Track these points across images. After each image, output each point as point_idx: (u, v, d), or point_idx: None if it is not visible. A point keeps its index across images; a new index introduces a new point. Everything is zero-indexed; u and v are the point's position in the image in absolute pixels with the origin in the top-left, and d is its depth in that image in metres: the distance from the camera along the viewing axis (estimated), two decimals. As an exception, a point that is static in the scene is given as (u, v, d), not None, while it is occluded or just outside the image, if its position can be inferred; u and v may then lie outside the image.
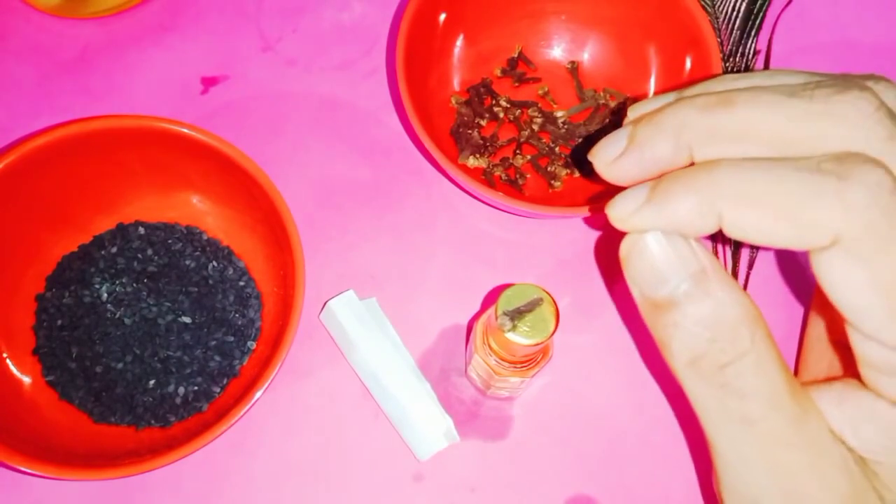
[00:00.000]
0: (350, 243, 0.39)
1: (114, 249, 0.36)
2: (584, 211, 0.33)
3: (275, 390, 0.36)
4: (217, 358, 0.35)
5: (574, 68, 0.42)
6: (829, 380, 0.25)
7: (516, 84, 0.41)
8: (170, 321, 0.35)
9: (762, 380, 0.23)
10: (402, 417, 0.34)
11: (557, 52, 0.42)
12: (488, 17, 0.41)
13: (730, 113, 0.22)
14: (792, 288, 0.39)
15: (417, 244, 0.39)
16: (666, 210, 0.22)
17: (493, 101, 0.41)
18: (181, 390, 0.34)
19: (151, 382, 0.34)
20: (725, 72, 0.42)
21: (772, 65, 0.43)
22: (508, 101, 0.41)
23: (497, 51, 0.42)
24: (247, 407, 0.30)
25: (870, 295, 0.21)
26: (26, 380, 0.34)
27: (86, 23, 0.43)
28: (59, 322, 0.35)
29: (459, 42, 0.41)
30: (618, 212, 0.23)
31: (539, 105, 0.41)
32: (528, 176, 0.40)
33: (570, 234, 0.39)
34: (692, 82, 0.26)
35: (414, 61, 0.36)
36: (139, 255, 0.36)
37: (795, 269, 0.39)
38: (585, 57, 0.42)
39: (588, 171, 0.39)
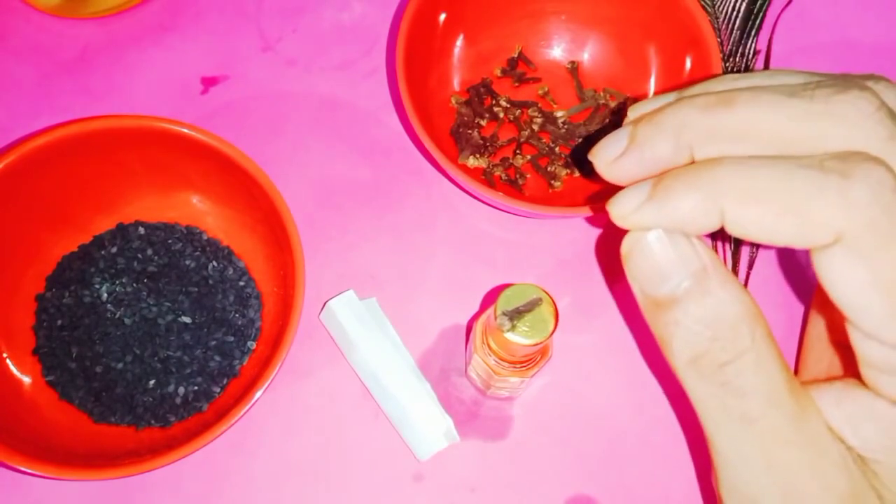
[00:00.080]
0: (350, 243, 0.39)
1: (114, 249, 0.36)
2: (585, 211, 0.33)
3: (275, 390, 0.36)
4: (217, 358, 0.35)
5: (574, 68, 0.42)
6: (829, 379, 0.25)
7: (516, 84, 0.41)
8: (170, 321, 0.35)
9: (762, 378, 0.23)
10: (402, 417, 0.34)
11: (557, 52, 0.42)
12: (488, 17, 0.41)
13: (730, 112, 0.22)
14: (792, 287, 0.39)
15: (417, 244, 0.39)
16: (668, 207, 0.22)
17: (493, 101, 0.41)
18: (181, 390, 0.34)
19: (151, 382, 0.34)
20: (725, 72, 0.42)
21: (772, 65, 0.43)
22: (508, 101, 0.41)
23: (497, 51, 0.42)
24: (247, 407, 0.30)
25: (870, 293, 0.21)
26: (26, 380, 0.34)
27: (86, 23, 0.43)
28: (59, 322, 0.35)
29: (459, 42, 0.41)
30: (619, 209, 0.24)
31: (539, 105, 0.41)
32: (528, 176, 0.40)
33: (570, 234, 0.39)
34: (692, 82, 0.26)
35: (414, 61, 0.36)
36: (139, 255, 0.36)
37: (795, 269, 0.39)
38: (585, 57, 0.42)
39: (588, 170, 0.39)
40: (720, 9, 0.44)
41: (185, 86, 0.42)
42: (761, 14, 0.44)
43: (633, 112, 0.26)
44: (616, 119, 0.40)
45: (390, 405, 0.35)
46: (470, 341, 0.32)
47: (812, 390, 0.25)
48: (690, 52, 0.37)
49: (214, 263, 0.36)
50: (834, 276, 0.21)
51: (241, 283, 0.36)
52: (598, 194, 0.37)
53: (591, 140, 0.39)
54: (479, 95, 0.40)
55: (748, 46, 0.43)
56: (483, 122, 0.40)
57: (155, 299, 0.35)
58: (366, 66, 0.43)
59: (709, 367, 0.23)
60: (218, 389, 0.35)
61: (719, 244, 0.39)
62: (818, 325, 0.31)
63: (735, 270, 0.39)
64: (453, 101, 0.40)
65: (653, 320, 0.24)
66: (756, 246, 0.39)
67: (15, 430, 0.31)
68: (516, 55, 0.42)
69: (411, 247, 0.39)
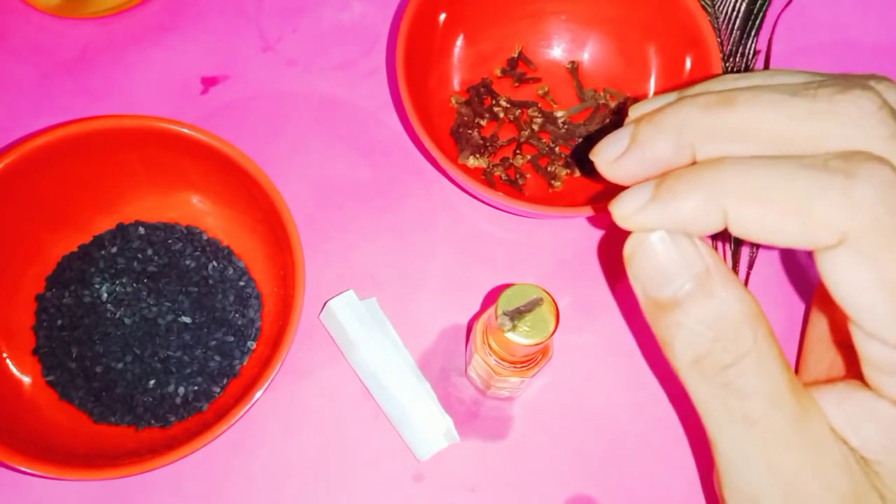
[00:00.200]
0: (350, 243, 0.39)
1: (114, 249, 0.36)
2: (585, 211, 0.33)
3: (275, 390, 0.36)
4: (217, 358, 0.35)
5: (574, 68, 0.42)
6: (831, 380, 0.25)
7: (516, 84, 0.41)
8: (170, 321, 0.35)
9: (764, 379, 0.23)
10: (402, 417, 0.34)
11: (557, 52, 0.42)
12: (488, 17, 0.41)
13: (731, 112, 0.22)
14: (792, 287, 0.39)
15: (417, 244, 0.39)
16: (670, 208, 0.22)
17: (493, 101, 0.41)
18: (181, 390, 0.34)
19: (151, 382, 0.34)
20: (725, 72, 0.42)
21: (772, 65, 0.43)
22: (508, 101, 0.41)
23: (497, 51, 0.42)
24: (247, 407, 0.30)
25: (874, 293, 0.21)
26: (26, 380, 0.34)
27: (86, 23, 0.43)
28: (59, 322, 0.35)
29: (459, 42, 0.41)
30: (622, 210, 0.23)
31: (539, 105, 0.41)
32: (528, 176, 0.40)
33: (570, 234, 0.39)
34: (692, 82, 0.26)
35: (414, 61, 0.36)
36: (139, 255, 0.36)
37: (796, 269, 0.39)
38: (585, 57, 0.42)
39: (588, 171, 0.39)
40: (720, 9, 0.44)
41: (185, 86, 0.42)
42: (761, 14, 0.44)
43: (634, 112, 0.26)
44: (616, 119, 0.40)
45: (390, 405, 0.35)
46: (470, 341, 0.32)
47: (814, 391, 0.24)
48: (690, 52, 0.37)
49: (214, 263, 0.36)
50: (837, 276, 0.21)
51: (241, 283, 0.36)
52: (598, 194, 0.37)
53: (592, 140, 0.39)
54: (479, 95, 0.40)
55: (748, 46, 0.43)
56: (483, 122, 0.40)
57: (155, 299, 0.35)
58: (366, 66, 0.43)
59: (711, 368, 0.23)
60: (218, 389, 0.35)
61: (719, 244, 0.39)
62: (819, 326, 0.31)
63: (735, 270, 0.39)
64: (453, 101, 0.40)
65: (655, 321, 0.24)
66: (756, 246, 0.39)
67: (15, 430, 0.31)
68: (516, 55, 0.42)
69: (411, 247, 0.39)
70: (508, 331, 0.26)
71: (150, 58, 0.42)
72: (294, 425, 0.35)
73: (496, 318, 0.27)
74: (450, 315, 0.37)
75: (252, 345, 0.35)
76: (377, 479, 0.34)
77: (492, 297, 0.38)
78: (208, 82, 0.42)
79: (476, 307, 0.38)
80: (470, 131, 0.40)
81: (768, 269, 0.39)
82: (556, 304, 0.27)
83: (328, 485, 0.34)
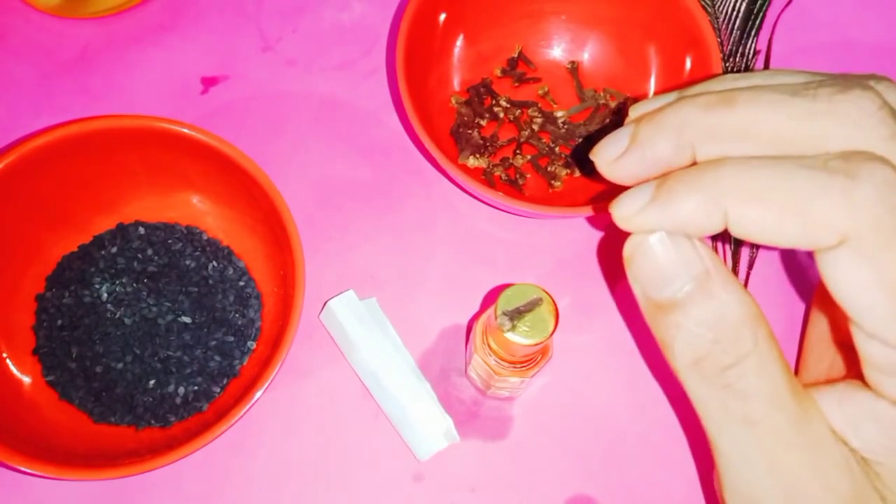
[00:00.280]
0: (350, 243, 0.39)
1: (114, 249, 0.36)
2: (585, 211, 0.33)
3: (275, 390, 0.36)
4: (217, 358, 0.35)
5: (574, 68, 0.42)
6: (831, 381, 0.25)
7: (516, 84, 0.41)
8: (170, 321, 0.35)
9: (764, 381, 0.23)
10: (402, 417, 0.34)
11: (557, 52, 0.42)
12: (488, 17, 0.41)
13: (731, 111, 0.22)
14: (792, 288, 0.39)
15: (417, 244, 0.39)
16: (671, 209, 0.22)
17: (493, 101, 0.41)
18: (181, 390, 0.34)
19: (151, 382, 0.34)
20: (725, 72, 0.42)
21: (772, 65, 0.43)
22: (508, 101, 0.41)
23: (497, 51, 0.42)
24: (247, 407, 0.30)
25: (875, 293, 0.21)
26: (26, 380, 0.34)
27: (86, 23, 0.43)
28: (59, 322, 0.35)
29: (459, 42, 0.41)
30: (622, 211, 0.23)
31: (539, 105, 0.41)
32: (528, 176, 0.40)
33: (570, 234, 0.39)
34: (692, 82, 0.26)
35: (414, 61, 0.36)
36: (139, 255, 0.36)
37: (796, 269, 0.39)
38: (585, 57, 0.42)
39: (588, 171, 0.39)
40: (720, 9, 0.44)
41: (185, 86, 0.42)
42: (761, 14, 0.44)
43: (634, 111, 0.26)
44: (616, 119, 0.40)
45: (390, 405, 0.35)
46: (470, 341, 0.32)
47: (814, 392, 0.24)
48: (690, 52, 0.37)
49: (214, 263, 0.36)
50: (838, 276, 0.21)
51: (241, 283, 0.36)
52: (598, 194, 0.37)
53: (592, 140, 0.39)
54: (479, 95, 0.40)
55: (748, 46, 0.43)
56: (483, 122, 0.40)
57: (155, 299, 0.35)
58: (366, 66, 0.43)
59: (710, 369, 0.23)
60: (218, 389, 0.35)
61: (719, 245, 0.39)
62: (819, 326, 0.31)
63: (735, 271, 0.39)
64: (453, 101, 0.40)
65: (654, 323, 0.24)
66: (756, 246, 0.39)
67: (15, 430, 0.31)
68: (516, 55, 0.42)
69: (411, 247, 0.39)
70: (508, 331, 0.26)
71: (150, 58, 0.42)
72: (294, 425, 0.35)
73: (496, 318, 0.27)
74: (450, 315, 0.37)
75: (252, 345, 0.35)
76: (377, 479, 0.34)
77: (492, 297, 0.38)
78: (208, 82, 0.42)
79: (476, 307, 0.38)
80: (470, 131, 0.40)
81: (768, 269, 0.39)
82: (555, 304, 0.27)
83: (328, 485, 0.34)
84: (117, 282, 0.35)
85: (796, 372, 0.35)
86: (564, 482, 0.35)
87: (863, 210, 0.20)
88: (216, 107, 0.41)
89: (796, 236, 0.21)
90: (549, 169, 0.40)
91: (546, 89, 0.41)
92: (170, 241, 0.36)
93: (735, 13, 0.44)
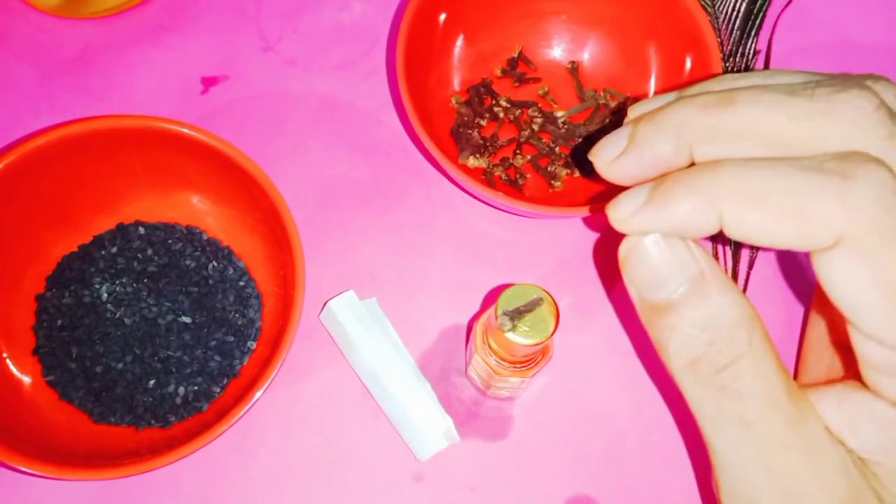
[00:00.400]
0: (350, 243, 0.39)
1: (114, 249, 0.36)
2: (584, 211, 0.33)
3: (275, 390, 0.36)
4: (217, 358, 0.35)
5: (574, 68, 0.42)
6: (830, 381, 0.25)
7: (516, 84, 0.41)
8: (170, 321, 0.35)
9: (759, 382, 0.23)
10: (402, 417, 0.34)
11: (557, 52, 0.42)
12: (488, 17, 0.41)
13: (730, 112, 0.22)
14: (792, 288, 0.39)
15: (417, 244, 0.39)
16: (666, 211, 0.22)
17: (493, 101, 0.41)
18: (181, 390, 0.34)
19: (151, 382, 0.34)
20: (725, 72, 0.42)
21: (772, 65, 0.43)
22: (508, 101, 0.41)
23: (497, 51, 0.42)
24: (247, 407, 0.30)
25: (871, 294, 0.21)
26: (26, 380, 0.34)
27: (86, 23, 0.43)
28: (59, 322, 0.35)
29: (459, 42, 0.41)
30: (618, 213, 0.23)
31: (539, 105, 0.41)
32: (528, 176, 0.40)
33: (570, 234, 0.39)
34: (692, 82, 0.26)
35: (414, 61, 0.36)
36: (139, 255, 0.36)
37: (795, 270, 0.39)
38: (585, 57, 0.42)
39: (588, 170, 0.39)
40: (720, 9, 0.44)
41: (185, 86, 0.42)
42: (761, 14, 0.44)
43: (633, 112, 0.26)
44: (616, 119, 0.40)
45: (390, 405, 0.35)
46: (470, 341, 0.32)
47: (812, 392, 0.24)
48: (690, 52, 0.37)
49: (214, 263, 0.36)
50: (834, 277, 0.21)
51: (241, 283, 0.36)
52: (598, 194, 0.37)
53: (592, 140, 0.39)
54: (479, 95, 0.40)
55: (748, 46, 0.43)
56: (483, 122, 0.40)
57: (155, 299, 0.35)
58: (366, 66, 0.43)
59: (706, 371, 0.23)
60: (218, 389, 0.35)
61: (719, 246, 0.39)
62: (818, 326, 0.31)
63: (735, 271, 0.39)
64: (453, 101, 0.40)
65: (650, 324, 0.24)
66: (756, 247, 0.39)
67: (15, 430, 0.31)
68: (516, 55, 0.42)
69: (411, 247, 0.39)
70: (508, 331, 0.26)
71: (150, 58, 0.42)
72: (294, 425, 0.35)
73: (496, 318, 0.27)
74: (450, 315, 0.37)
75: (252, 345, 0.35)
76: (377, 479, 0.34)
77: (492, 297, 0.38)
78: (208, 82, 0.42)
79: (476, 307, 0.38)
80: (470, 131, 0.40)
81: (768, 269, 0.39)
82: (556, 304, 0.27)
83: (328, 485, 0.34)
84: (117, 282, 0.35)
85: (795, 372, 0.35)
86: (564, 482, 0.35)
87: (859, 211, 0.20)
88: (216, 107, 0.41)
89: (792, 237, 0.21)
90: (549, 169, 0.40)
91: (546, 89, 0.41)
92: (170, 241, 0.36)
93: (735, 13, 0.44)
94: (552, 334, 0.26)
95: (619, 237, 0.24)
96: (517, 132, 0.41)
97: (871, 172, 0.20)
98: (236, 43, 0.43)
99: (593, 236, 0.39)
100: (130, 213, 0.37)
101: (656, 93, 0.40)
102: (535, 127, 0.40)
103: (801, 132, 0.21)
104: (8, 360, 0.34)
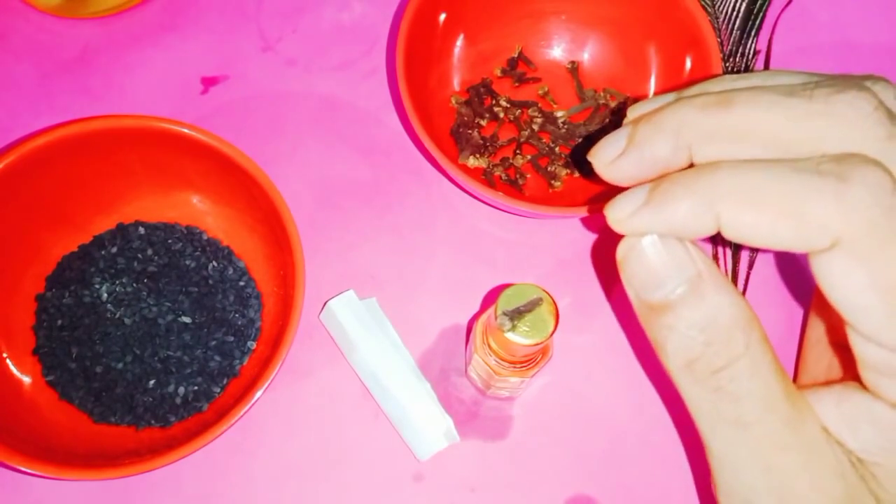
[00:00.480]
0: (350, 243, 0.39)
1: (114, 249, 0.36)
2: (584, 211, 0.33)
3: (275, 390, 0.36)
4: (217, 358, 0.35)
5: (574, 68, 0.42)
6: (829, 383, 0.25)
7: (516, 84, 0.41)
8: (170, 321, 0.35)
9: (757, 383, 0.23)
10: (402, 417, 0.34)
11: (557, 52, 0.42)
12: (488, 17, 0.41)
13: (729, 112, 0.22)
14: (791, 289, 0.39)
15: (417, 244, 0.39)
16: (664, 212, 0.22)
17: (493, 101, 0.41)
18: (181, 390, 0.34)
19: (151, 382, 0.34)
20: (725, 72, 0.42)
21: (772, 65, 0.43)
22: (508, 101, 0.41)
23: (497, 51, 0.42)
24: (247, 407, 0.30)
25: (869, 296, 0.21)
26: (26, 380, 0.34)
27: (86, 23, 0.43)
28: (59, 322, 0.35)
29: (459, 42, 0.41)
30: (616, 213, 0.24)
31: (539, 105, 0.41)
32: (528, 176, 0.40)
33: (570, 234, 0.39)
34: (692, 82, 0.26)
35: (414, 61, 0.36)
36: (139, 255, 0.36)
37: (795, 270, 0.39)
38: (585, 57, 0.42)
39: (588, 171, 0.39)
40: (720, 9, 0.44)
41: (185, 86, 0.42)
42: (761, 14, 0.44)
43: (632, 112, 0.26)
44: (616, 119, 0.40)
45: (390, 405, 0.35)
46: (470, 341, 0.32)
47: (811, 393, 0.25)
48: (690, 52, 0.37)
49: (214, 263, 0.36)
50: (832, 279, 0.21)
51: (241, 283, 0.36)
52: (597, 195, 0.37)
53: (592, 140, 0.39)
54: (479, 95, 0.40)
55: (748, 46, 0.43)
56: (483, 122, 0.40)
57: (155, 299, 0.35)
58: (366, 66, 0.43)
59: (703, 371, 0.23)
60: (218, 389, 0.35)
61: (719, 247, 0.39)
62: (818, 327, 0.31)
63: (735, 272, 0.39)
64: (453, 101, 0.40)
65: (648, 324, 0.24)
66: (755, 248, 0.39)
67: (15, 430, 0.31)
68: (516, 55, 0.42)
69: (411, 247, 0.39)
70: (508, 331, 0.26)
71: (150, 58, 0.42)
72: (294, 425, 0.35)
73: (496, 318, 0.27)
74: (450, 315, 0.37)
75: (252, 345, 0.35)
76: (377, 479, 0.34)
77: (492, 297, 0.38)
78: (208, 82, 0.42)
79: (476, 307, 0.38)
80: (470, 131, 0.40)
81: (768, 269, 0.39)
82: (555, 304, 0.27)
83: (328, 485, 0.34)
84: (117, 282, 0.35)
85: (795, 372, 0.35)
86: (564, 482, 0.35)
87: (856, 212, 0.20)
88: (216, 107, 0.41)
89: (790, 239, 0.21)
90: (549, 169, 0.40)
91: (546, 89, 0.41)
92: (170, 241, 0.36)
93: (735, 13, 0.44)
94: (552, 334, 0.26)
95: (619, 237, 0.24)
96: (517, 132, 0.41)
97: (868, 174, 0.20)
98: (236, 43, 0.43)
99: (593, 236, 0.39)
100: (130, 213, 0.37)
101: (656, 93, 0.40)
102: (535, 127, 0.40)
103: (799, 133, 0.21)
104: (8, 360, 0.34)
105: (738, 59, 0.43)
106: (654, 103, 0.25)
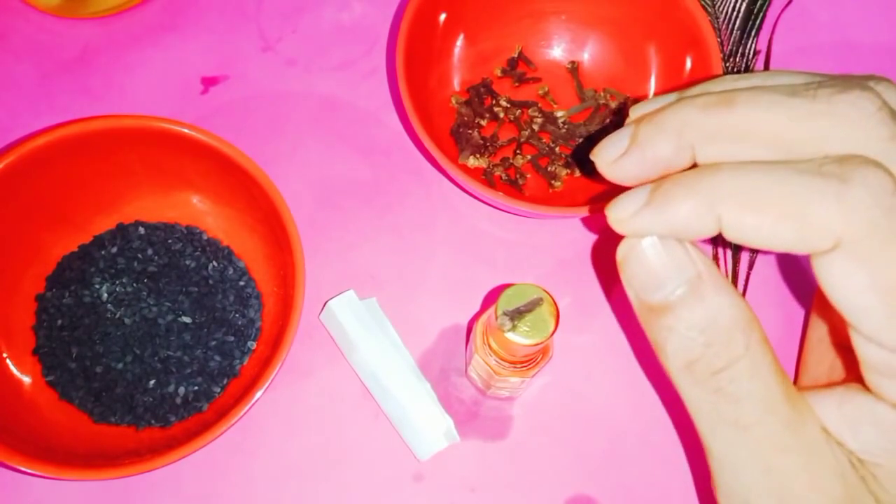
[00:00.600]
0: (350, 243, 0.39)
1: (114, 249, 0.36)
2: (584, 211, 0.33)
3: (275, 390, 0.36)
4: (217, 358, 0.35)
5: (574, 68, 0.42)
6: (831, 383, 0.25)
7: (516, 84, 0.41)
8: (170, 321, 0.35)
9: (756, 384, 0.23)
10: (402, 417, 0.34)
11: (557, 52, 0.42)
12: (488, 17, 0.41)
13: (731, 112, 0.22)
14: (792, 289, 0.39)
15: (417, 244, 0.39)
16: (666, 213, 0.22)
17: (493, 101, 0.41)
18: (181, 390, 0.34)
19: (151, 382, 0.34)
20: (725, 72, 0.42)
21: (772, 65, 0.43)
22: (508, 101, 0.41)
23: (497, 51, 0.42)
24: (247, 407, 0.30)
25: (871, 297, 0.21)
26: (26, 380, 0.34)
27: (86, 23, 0.43)
28: (59, 322, 0.35)
29: (459, 42, 0.41)
30: (617, 214, 0.24)
31: (539, 105, 0.41)
32: (528, 176, 0.40)
33: (570, 234, 0.39)
34: (692, 82, 0.26)
35: (414, 61, 0.36)
36: (139, 255, 0.36)
37: (796, 271, 0.39)
38: (585, 57, 0.42)
39: (589, 171, 0.39)
40: (720, 9, 0.44)
41: (185, 86, 0.42)
42: (761, 14, 0.44)
43: (634, 112, 0.26)
44: (616, 119, 0.40)
45: (390, 405, 0.35)
46: (470, 341, 0.32)
47: (813, 394, 0.25)
48: (690, 52, 0.37)
49: (214, 263, 0.36)
50: (834, 280, 0.21)
51: (241, 283, 0.36)
52: (598, 195, 0.37)
53: (592, 140, 0.39)
54: (479, 95, 0.40)
55: (748, 46, 0.43)
56: (483, 122, 0.40)
57: (155, 299, 0.35)
58: (366, 66, 0.43)
59: (702, 373, 0.23)
60: (218, 389, 0.35)
61: (720, 248, 0.39)
62: (819, 328, 0.31)
63: (735, 272, 0.39)
64: (453, 101, 0.40)
65: (647, 325, 0.24)
66: (756, 249, 0.39)
67: (15, 430, 0.31)
68: (516, 55, 0.42)
69: (411, 247, 0.39)
70: (508, 331, 0.26)
71: (150, 58, 0.42)
72: (294, 425, 0.35)
73: (496, 318, 0.27)
74: (450, 315, 0.37)
75: (252, 345, 0.35)
76: (377, 479, 0.34)
77: (492, 297, 0.38)
78: (208, 82, 0.42)
79: (476, 307, 0.38)
80: (470, 131, 0.40)
81: (768, 270, 0.39)
82: (556, 304, 0.27)
83: (328, 485, 0.34)
84: (117, 282, 0.35)
85: (796, 373, 0.35)
86: (564, 482, 0.35)
87: (857, 213, 0.20)
88: (216, 107, 0.41)
89: (791, 241, 0.21)
90: (549, 169, 0.40)
91: (546, 89, 0.41)
92: (170, 241, 0.36)
93: (735, 13, 0.44)
94: (552, 334, 0.26)
95: (619, 237, 0.24)
96: (517, 132, 0.41)
97: (869, 175, 0.20)
98: (236, 43, 0.43)
99: (593, 236, 0.39)
100: (130, 213, 0.37)
101: (656, 93, 0.40)
102: (536, 127, 0.40)
103: (801, 133, 0.21)
104: (8, 360, 0.34)
105: (738, 60, 0.43)
106: (656, 103, 0.25)
